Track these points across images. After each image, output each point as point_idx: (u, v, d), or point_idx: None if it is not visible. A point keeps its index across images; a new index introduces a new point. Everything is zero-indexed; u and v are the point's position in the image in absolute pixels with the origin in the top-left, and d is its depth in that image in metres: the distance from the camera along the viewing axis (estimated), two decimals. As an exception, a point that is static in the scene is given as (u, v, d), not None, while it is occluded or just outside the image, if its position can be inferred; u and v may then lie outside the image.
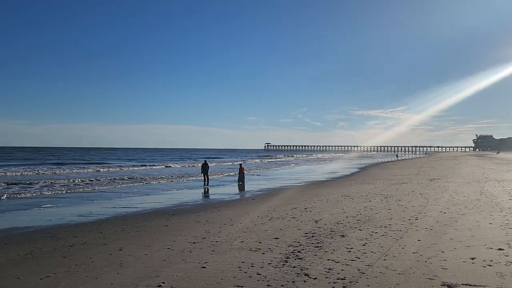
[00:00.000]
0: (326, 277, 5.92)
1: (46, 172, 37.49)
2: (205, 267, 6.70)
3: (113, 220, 12.65)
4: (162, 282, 5.91)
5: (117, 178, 31.69)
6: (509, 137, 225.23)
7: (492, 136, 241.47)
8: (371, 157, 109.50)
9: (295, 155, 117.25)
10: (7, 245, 9.32)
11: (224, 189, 23.54)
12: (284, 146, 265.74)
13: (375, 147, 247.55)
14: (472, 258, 6.64)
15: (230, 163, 57.46)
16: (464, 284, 5.40)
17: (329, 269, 6.34)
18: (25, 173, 36.39)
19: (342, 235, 8.89)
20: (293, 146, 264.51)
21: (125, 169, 44.10)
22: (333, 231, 9.45)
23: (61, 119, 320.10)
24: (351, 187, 21.05)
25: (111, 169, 42.75)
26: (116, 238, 9.64)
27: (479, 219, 10.33)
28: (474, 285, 5.35)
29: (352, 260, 6.80)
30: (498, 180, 22.13)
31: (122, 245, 8.76)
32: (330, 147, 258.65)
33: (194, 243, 8.72)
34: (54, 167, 46.24)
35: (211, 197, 20.22)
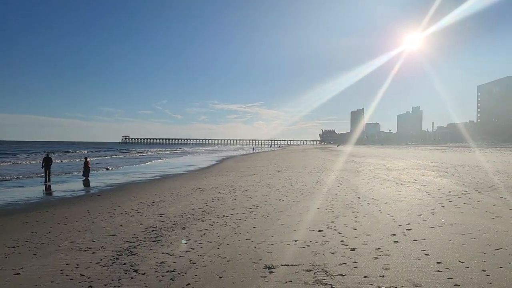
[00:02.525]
0: (156, 271, 5.77)
1: None
2: (19, 274, 5.90)
3: None
4: (-44, 297, 4.98)
5: None
6: (347, 132, 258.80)
7: (334, 131, 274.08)
8: (229, 150, 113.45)
9: (156, 149, 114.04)
10: None
11: (68, 185, 21.46)
12: (144, 139, 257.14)
13: (234, 140, 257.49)
14: (295, 241, 7.27)
15: (79, 159, 52.83)
16: (283, 265, 5.84)
17: (161, 262, 6.21)
18: None
19: (183, 227, 8.86)
20: (153, 139, 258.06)
21: None
22: (175, 224, 9.35)
23: None
24: (205, 180, 21.34)
25: None
26: None
27: (310, 204, 11.46)
28: (291, 265, 5.83)
29: (186, 252, 6.79)
30: (333, 169, 25.06)
31: None
32: (191, 140, 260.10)
33: (14, 247, 7.65)
34: None
35: (51, 194, 18.19)
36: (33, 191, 19.18)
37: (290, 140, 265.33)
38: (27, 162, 38.91)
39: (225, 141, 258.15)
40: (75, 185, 21.51)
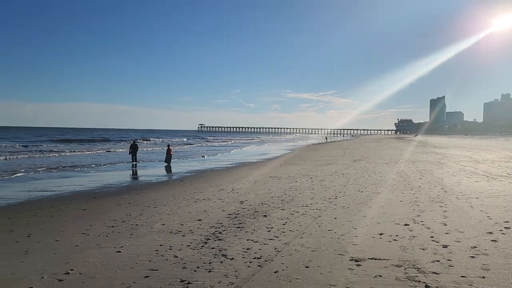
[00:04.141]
0: (243, 257, 5.97)
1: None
2: (120, 252, 6.45)
3: (25, 205, 11.73)
4: (71, 269, 5.58)
5: (35, 157, 29.52)
6: (426, 121, 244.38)
7: (411, 120, 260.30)
8: (301, 139, 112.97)
9: (232, 137, 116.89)
10: None
11: (152, 171, 22.90)
12: (218, 127, 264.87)
13: (306, 129, 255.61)
14: (381, 234, 7.08)
15: (160, 148, 55.90)
16: (370, 258, 5.73)
17: (247, 249, 6.40)
18: None
19: (265, 215, 9.04)
20: (227, 127, 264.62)
21: (44, 148, 41.17)
22: (256, 211, 9.57)
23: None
24: (280, 168, 21.52)
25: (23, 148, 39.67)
26: (25, 224, 8.95)
27: (392, 197, 11.06)
28: (379, 259, 5.70)
29: (270, 239, 6.92)
30: (413, 161, 23.89)
31: (31, 231, 8.15)
32: (263, 128, 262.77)
33: (113, 227, 8.36)
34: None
35: (137, 179, 19.58)
36: (123, 175, 20.77)
37: (363, 130, 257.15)
38: (117, 151, 42.17)
39: (297, 130, 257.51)
40: (159, 171, 22.88)
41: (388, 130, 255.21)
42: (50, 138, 72.90)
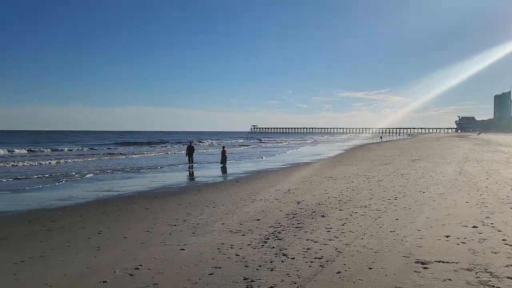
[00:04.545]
0: (304, 257, 5.97)
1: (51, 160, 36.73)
2: (184, 249, 6.69)
3: (93, 204, 12.51)
4: (140, 265, 5.88)
5: (96, 160, 31.35)
6: (490, 119, 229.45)
7: (474, 117, 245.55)
8: (355, 138, 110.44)
9: (285, 138, 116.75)
10: (-17, 230, 9.13)
11: (208, 172, 23.50)
12: (271, 128, 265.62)
13: (360, 129, 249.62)
14: (447, 236, 6.77)
15: (215, 149, 57.05)
16: (437, 261, 5.50)
17: (307, 248, 6.39)
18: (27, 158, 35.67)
19: (323, 216, 8.96)
20: (280, 128, 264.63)
21: (108, 151, 43.56)
22: (314, 211, 9.52)
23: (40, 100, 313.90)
24: (335, 169, 21.21)
25: (86, 152, 42.22)
26: (95, 221, 9.55)
27: (457, 198, 10.53)
28: (447, 262, 5.46)
29: (330, 240, 6.86)
30: (477, 160, 22.56)
31: (101, 228, 8.68)
32: (316, 129, 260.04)
33: (175, 225, 8.69)
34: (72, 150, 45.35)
35: (194, 179, 20.18)
36: (181, 176, 21.52)
37: (421, 128, 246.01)
38: (174, 153, 43.74)
39: (351, 129, 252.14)
40: (215, 172, 23.42)
41: (448, 129, 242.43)
42: (112, 141, 76.86)
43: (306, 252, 6.22)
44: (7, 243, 7.76)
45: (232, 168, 25.46)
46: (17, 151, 42.91)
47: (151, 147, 59.65)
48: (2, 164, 27.28)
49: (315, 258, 5.87)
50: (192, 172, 23.90)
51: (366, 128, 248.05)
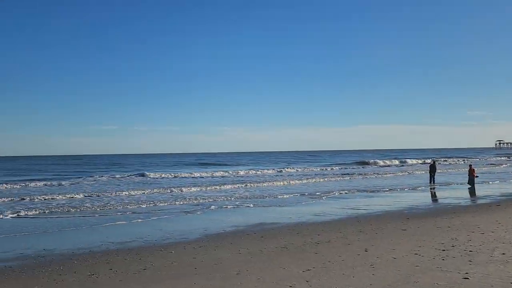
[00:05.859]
0: None
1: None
2: (467, 278, 6.12)
3: (347, 221, 13.05)
4: (424, 289, 5.68)
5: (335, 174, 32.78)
6: None
7: None
8: None
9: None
10: (263, 237, 10.72)
11: (453, 193, 21.36)
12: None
13: None
14: None
15: (457, 170, 51.35)
16: None
17: None
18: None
19: None
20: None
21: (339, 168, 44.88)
22: None
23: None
24: None
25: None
26: (356, 239, 9.87)
27: None
28: None
29: None
30: None
31: (366, 246, 8.89)
32: None
33: (443, 250, 8.11)
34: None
35: (442, 201, 18.65)
36: (425, 197, 20.32)
37: None
38: (413, 173, 41.56)
39: None
40: (461, 193, 21.15)
41: None
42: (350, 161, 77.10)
43: None
44: (288, 252, 8.82)
45: (483, 190, 22.40)
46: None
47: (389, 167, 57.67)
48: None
49: None
50: (434, 193, 22.24)
51: None
